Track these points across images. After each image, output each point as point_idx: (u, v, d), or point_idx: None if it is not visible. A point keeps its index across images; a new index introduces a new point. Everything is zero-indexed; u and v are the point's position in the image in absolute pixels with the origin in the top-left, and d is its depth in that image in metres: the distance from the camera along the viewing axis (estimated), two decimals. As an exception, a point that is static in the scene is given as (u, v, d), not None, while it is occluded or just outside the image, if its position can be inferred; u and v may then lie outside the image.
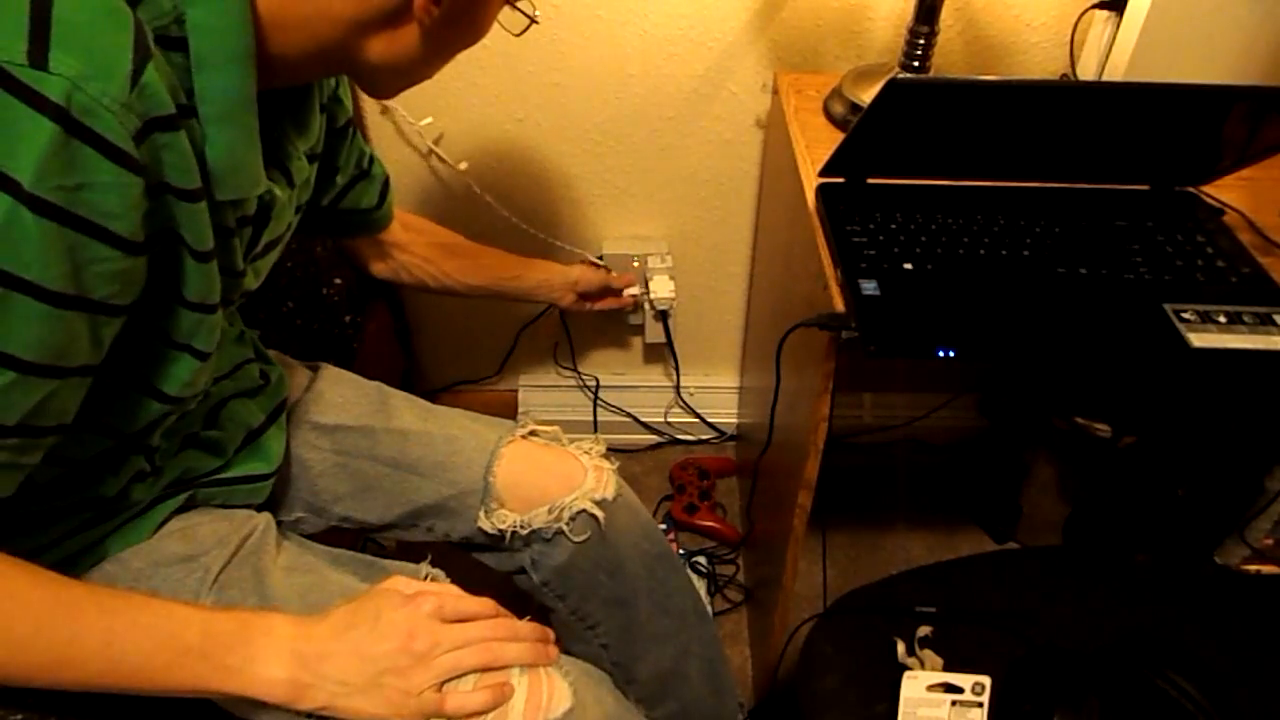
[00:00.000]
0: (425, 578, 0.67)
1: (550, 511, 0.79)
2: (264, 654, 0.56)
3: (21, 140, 0.42)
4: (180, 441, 0.68)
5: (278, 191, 0.61)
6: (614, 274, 1.22)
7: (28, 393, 0.47)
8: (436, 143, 1.20)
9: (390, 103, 1.14)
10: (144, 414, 0.59)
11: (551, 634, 0.68)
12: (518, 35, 0.63)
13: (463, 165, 1.21)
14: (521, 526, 0.79)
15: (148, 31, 0.46)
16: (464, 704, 0.59)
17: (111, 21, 0.44)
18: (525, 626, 0.66)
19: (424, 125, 1.16)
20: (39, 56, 0.42)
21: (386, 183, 0.89)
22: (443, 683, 0.60)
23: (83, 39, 0.43)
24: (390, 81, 0.61)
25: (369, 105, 1.16)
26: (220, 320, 0.60)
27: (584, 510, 0.80)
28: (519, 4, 0.60)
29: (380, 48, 0.55)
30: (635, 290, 1.28)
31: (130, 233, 0.47)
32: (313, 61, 0.55)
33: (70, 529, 0.62)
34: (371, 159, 0.86)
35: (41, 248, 0.44)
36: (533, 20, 0.62)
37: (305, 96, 0.64)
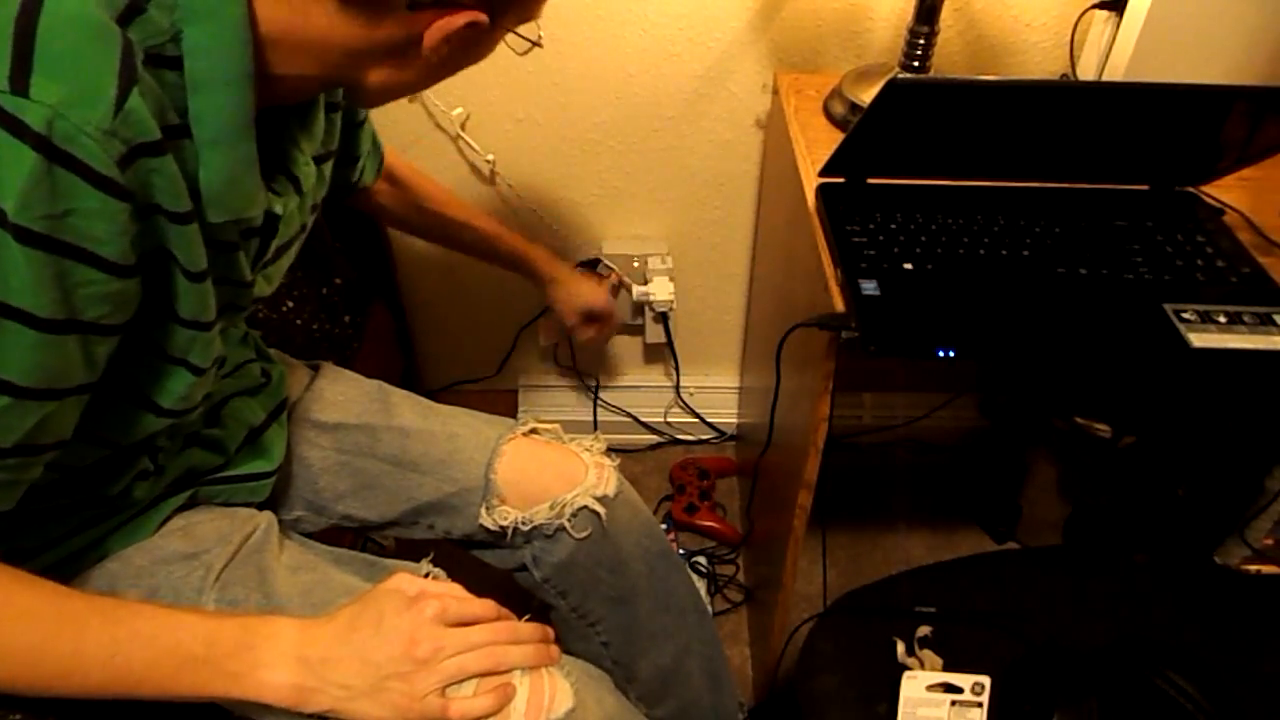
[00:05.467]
0: (426, 576, 0.67)
1: (552, 508, 0.79)
2: (268, 659, 0.56)
3: (4, 169, 0.41)
4: (183, 440, 0.68)
5: (278, 209, 0.60)
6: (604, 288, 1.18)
7: (24, 416, 0.47)
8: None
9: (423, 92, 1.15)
10: (140, 426, 0.59)
11: (552, 633, 0.68)
12: (521, 55, 0.62)
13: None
14: (523, 523, 0.79)
15: (137, 52, 0.45)
16: (468, 709, 0.59)
17: (97, 45, 0.43)
18: (527, 628, 0.66)
19: (455, 115, 1.17)
20: (20, 83, 0.41)
21: (380, 159, 0.90)
22: (445, 687, 0.60)
23: (66, 64, 0.42)
24: (382, 99, 0.61)
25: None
26: (217, 336, 0.59)
27: (585, 507, 0.80)
28: (522, 29, 0.59)
29: (383, 76, 0.55)
30: (641, 289, 1.29)
31: (120, 256, 0.46)
32: (313, 82, 0.55)
33: (73, 527, 0.62)
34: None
35: (30, 276, 0.43)
36: (535, 44, 0.61)
37: (312, 104, 0.64)
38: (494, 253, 1.06)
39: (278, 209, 0.59)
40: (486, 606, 0.65)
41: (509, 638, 0.63)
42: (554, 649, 0.66)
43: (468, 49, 0.57)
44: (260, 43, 0.50)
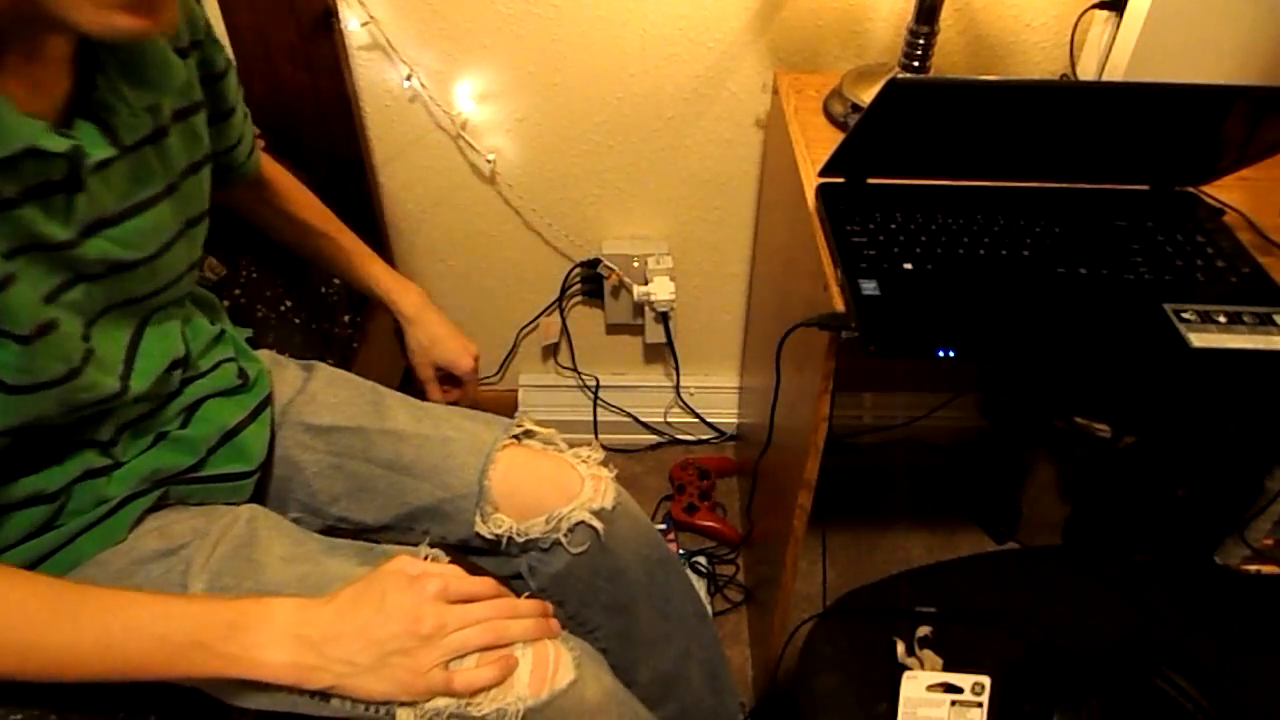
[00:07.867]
0: (426, 559, 0.68)
1: (548, 522, 0.78)
2: (264, 640, 0.57)
3: None
4: (151, 440, 0.68)
5: (47, 145, 0.51)
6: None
7: None
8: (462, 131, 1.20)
9: (423, 93, 1.14)
10: None
11: (551, 608, 0.69)
12: None
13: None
14: (518, 534, 0.79)
15: None
16: (472, 680, 0.60)
17: None
18: (526, 604, 0.67)
19: (455, 114, 1.16)
20: None
21: (253, 152, 0.83)
22: (449, 661, 0.61)
23: None
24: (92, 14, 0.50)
25: (394, 95, 1.16)
26: (29, 294, 0.53)
27: (582, 522, 0.79)
28: None
29: None
30: (641, 289, 1.29)
31: None
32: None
33: (30, 528, 0.61)
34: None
35: None
36: None
37: (137, 46, 0.58)
38: (352, 275, 0.96)
39: (45, 145, 0.51)
40: (486, 583, 0.66)
41: (509, 613, 0.64)
42: (554, 623, 0.67)
43: None
44: None
